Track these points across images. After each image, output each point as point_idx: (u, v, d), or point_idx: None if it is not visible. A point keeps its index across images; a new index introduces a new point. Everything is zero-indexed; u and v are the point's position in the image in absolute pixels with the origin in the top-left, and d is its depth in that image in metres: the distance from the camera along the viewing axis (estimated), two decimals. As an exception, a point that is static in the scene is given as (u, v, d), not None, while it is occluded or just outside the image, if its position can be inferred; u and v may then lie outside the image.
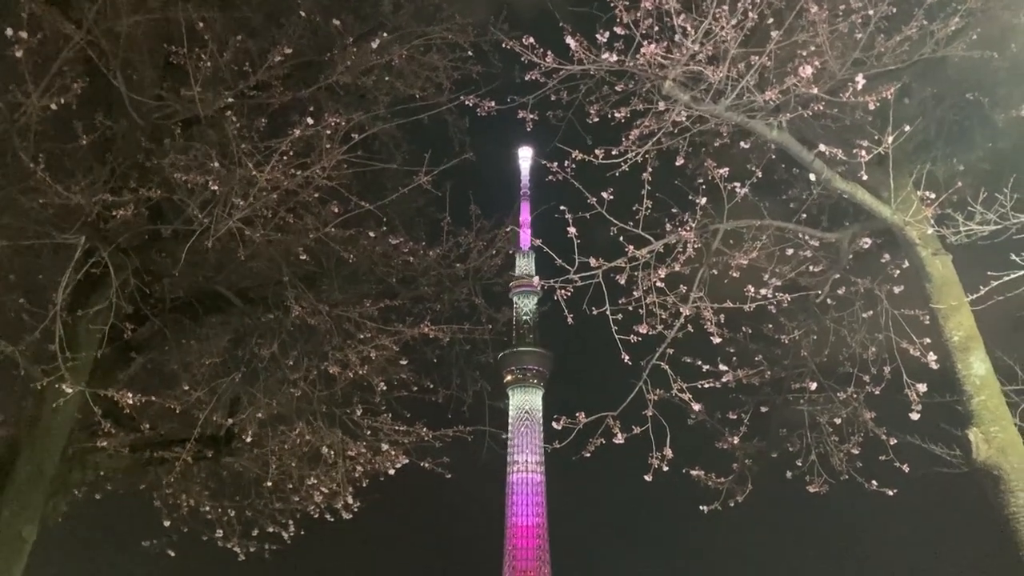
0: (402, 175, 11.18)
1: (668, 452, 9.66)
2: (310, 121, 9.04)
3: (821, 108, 8.20)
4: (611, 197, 8.90)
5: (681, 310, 9.46)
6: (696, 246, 10.03)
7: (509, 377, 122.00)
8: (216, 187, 8.95)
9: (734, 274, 10.61)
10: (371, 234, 11.95)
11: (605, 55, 7.93)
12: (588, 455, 10.26)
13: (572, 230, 8.50)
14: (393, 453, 11.74)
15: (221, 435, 12.80)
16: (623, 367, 9.99)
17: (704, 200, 9.13)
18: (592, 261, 9.10)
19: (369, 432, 11.93)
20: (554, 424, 9.70)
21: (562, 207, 8.56)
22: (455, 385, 14.26)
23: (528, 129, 9.45)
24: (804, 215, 10.49)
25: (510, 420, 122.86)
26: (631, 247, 8.91)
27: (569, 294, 8.80)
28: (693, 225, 9.05)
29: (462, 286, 13.00)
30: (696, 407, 9.62)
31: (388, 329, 11.30)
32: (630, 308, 9.66)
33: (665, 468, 9.74)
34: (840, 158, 8.32)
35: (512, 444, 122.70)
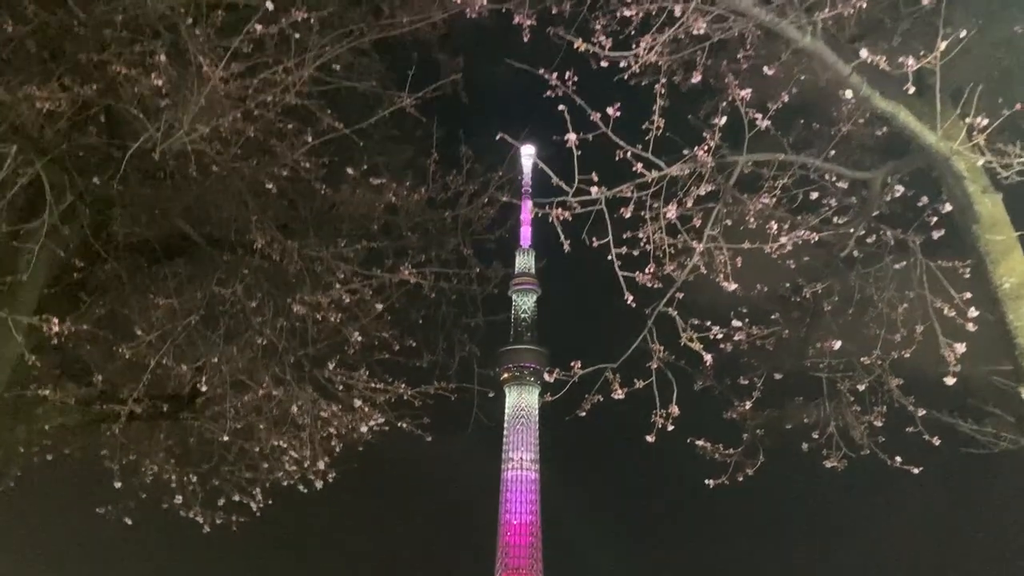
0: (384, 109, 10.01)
1: (674, 409, 8.53)
2: (270, 6, 7.87)
3: (863, 4, 7.07)
4: (618, 114, 7.77)
5: (694, 246, 8.32)
6: (709, 187, 8.91)
7: (506, 375, 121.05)
8: (165, 89, 7.81)
9: (751, 221, 9.49)
10: (349, 171, 10.82)
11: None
12: (584, 413, 9.14)
13: (572, 137, 7.34)
14: (367, 410, 10.59)
15: (185, 393, 11.70)
16: (622, 320, 8.91)
17: (723, 120, 7.98)
18: (594, 190, 7.96)
19: (342, 389, 10.79)
20: (547, 376, 8.59)
21: (561, 108, 7.36)
22: (441, 349, 13.14)
23: (525, 39, 8.32)
24: (832, 152, 9.34)
25: (506, 417, 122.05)
26: (640, 165, 7.75)
27: (568, 217, 7.66)
28: (712, 144, 7.90)
29: (450, 237, 11.86)
30: (708, 357, 8.47)
31: (365, 273, 10.15)
32: (637, 245, 8.54)
33: (671, 427, 8.61)
34: (882, 67, 7.18)
35: (507, 441, 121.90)
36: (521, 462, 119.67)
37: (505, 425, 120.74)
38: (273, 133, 9.41)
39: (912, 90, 7.26)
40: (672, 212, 8.25)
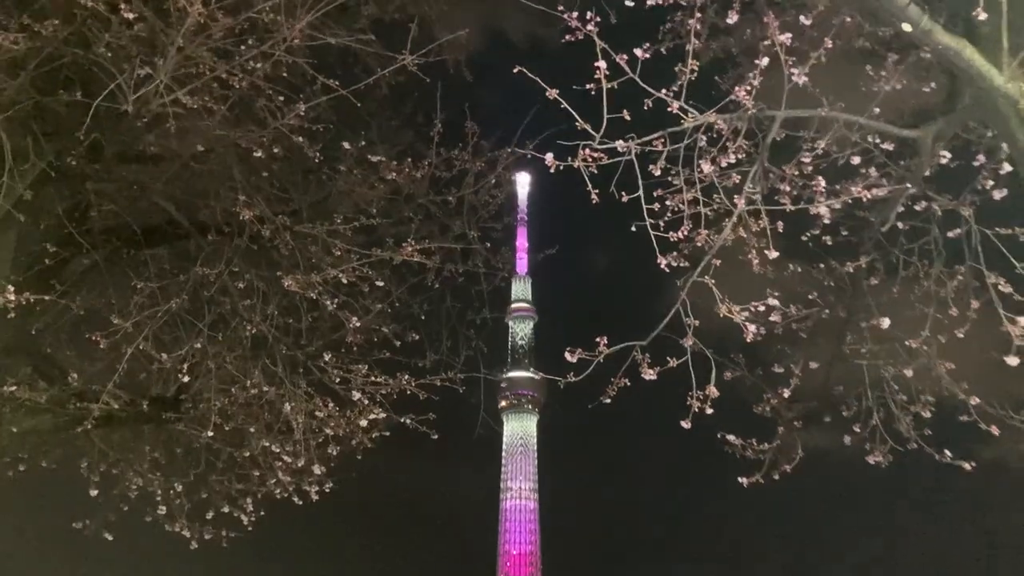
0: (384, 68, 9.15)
1: (712, 391, 7.60)
2: None
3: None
4: (647, 55, 6.92)
5: (734, 204, 7.43)
6: (746, 148, 8.05)
7: (504, 403, 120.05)
8: (138, 27, 6.94)
9: (788, 190, 8.62)
10: (346, 145, 9.96)
11: None
12: (608, 400, 8.20)
13: (601, 65, 6.46)
14: (366, 403, 9.63)
15: (169, 395, 10.74)
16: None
17: (765, 61, 7.13)
18: (619, 144, 7.08)
19: (339, 382, 9.84)
20: (567, 356, 7.66)
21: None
22: (445, 348, 12.23)
23: None
24: (876, 110, 8.49)
25: (504, 446, 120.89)
26: (675, 105, 6.87)
27: (592, 169, 6.76)
28: (754, 84, 7.03)
29: (454, 221, 10.99)
30: (750, 329, 7.55)
31: (362, 252, 9.25)
32: (667, 207, 7.66)
33: (709, 410, 7.66)
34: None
35: (506, 471, 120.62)
36: (520, 491, 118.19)
37: (504, 454, 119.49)
38: (262, 96, 8.54)
39: (982, 16, 6.39)
40: (707, 167, 7.37)
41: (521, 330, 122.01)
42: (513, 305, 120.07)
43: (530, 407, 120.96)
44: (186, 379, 9.18)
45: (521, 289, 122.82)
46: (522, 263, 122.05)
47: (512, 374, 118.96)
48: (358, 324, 9.38)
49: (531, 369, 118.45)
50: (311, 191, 10.38)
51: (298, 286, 8.61)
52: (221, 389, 9.84)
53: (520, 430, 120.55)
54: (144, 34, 7.25)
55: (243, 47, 8.31)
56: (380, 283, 9.49)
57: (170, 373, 9.53)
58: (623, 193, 6.92)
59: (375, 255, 9.25)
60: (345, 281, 9.06)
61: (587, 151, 6.52)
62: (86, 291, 10.61)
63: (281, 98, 9.15)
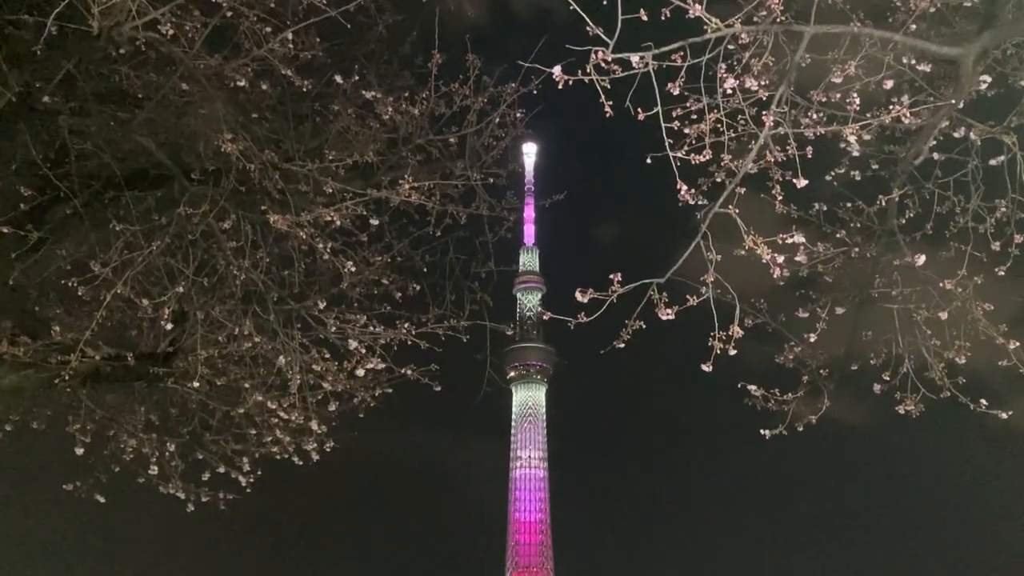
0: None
1: (736, 330, 6.99)
2: None
3: None
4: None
5: (764, 118, 6.78)
6: (771, 68, 7.40)
7: (512, 373, 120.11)
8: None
9: (813, 118, 7.95)
10: (339, 79, 9.31)
11: None
12: (623, 345, 7.62)
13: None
14: (363, 351, 9.06)
15: (159, 351, 10.20)
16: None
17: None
18: (635, 58, 6.41)
19: (335, 331, 9.26)
20: (579, 296, 7.06)
21: None
22: (449, 302, 11.62)
23: None
24: (913, 27, 7.80)
25: (513, 416, 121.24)
26: (695, 7, 6.19)
27: (605, 82, 6.10)
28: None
29: (456, 164, 10.34)
30: (779, 261, 6.93)
31: (357, 191, 8.63)
32: (685, 137, 7.02)
33: (733, 351, 7.07)
34: None
35: (515, 440, 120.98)
36: (530, 460, 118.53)
37: (513, 423, 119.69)
38: (246, 20, 7.89)
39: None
40: (730, 83, 6.72)
41: (529, 301, 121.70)
42: (520, 276, 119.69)
43: (539, 377, 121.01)
44: (169, 327, 8.62)
45: (529, 260, 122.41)
46: (529, 234, 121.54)
47: (521, 345, 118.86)
48: (354, 269, 8.78)
49: (540, 340, 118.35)
50: (304, 138, 9.77)
51: (286, 225, 8.01)
52: (211, 341, 9.28)
53: (529, 400, 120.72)
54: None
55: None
56: (375, 222, 8.88)
57: (155, 324, 8.96)
58: (639, 109, 6.27)
59: (370, 195, 8.61)
60: (339, 223, 8.46)
61: (599, 55, 5.86)
62: (69, 240, 10.05)
63: (268, 28, 8.53)
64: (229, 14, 7.93)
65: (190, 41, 8.09)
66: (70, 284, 8.44)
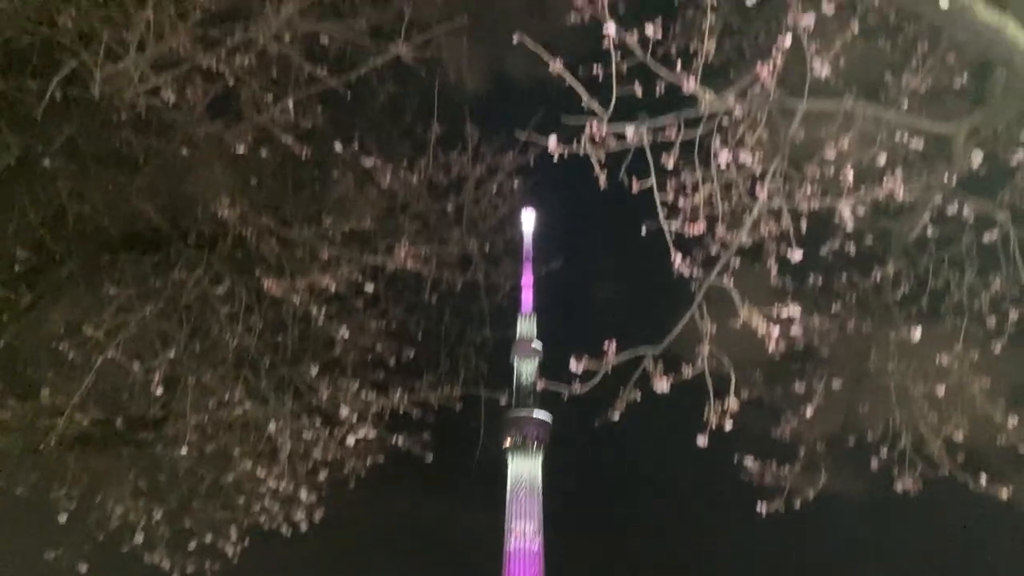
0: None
1: (732, 403, 6.92)
2: None
3: None
4: (658, 35, 6.35)
5: (758, 192, 6.83)
6: (765, 142, 7.48)
7: (508, 442, 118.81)
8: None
9: (807, 192, 8.01)
10: (338, 146, 9.40)
11: None
12: (617, 418, 7.54)
13: (611, 31, 5.87)
14: (355, 419, 8.97)
15: (148, 416, 10.09)
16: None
17: (788, 41, 6.56)
18: (629, 130, 6.48)
19: (327, 399, 9.18)
20: (573, 365, 7.00)
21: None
22: (444, 370, 11.56)
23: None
24: (906, 104, 7.92)
25: (508, 487, 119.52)
26: (690, 81, 6.27)
27: (599, 154, 6.16)
28: (777, 62, 6.45)
29: (453, 231, 10.38)
30: (774, 332, 6.89)
31: (354, 258, 8.64)
32: (679, 209, 7.06)
33: (728, 426, 6.99)
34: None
35: (510, 511, 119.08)
36: (524, 534, 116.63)
37: (508, 494, 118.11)
38: (247, 88, 8.00)
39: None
40: (724, 158, 6.78)
41: (526, 369, 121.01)
42: (518, 343, 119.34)
43: (535, 446, 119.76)
44: (160, 391, 8.54)
45: (527, 327, 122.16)
46: (527, 300, 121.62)
47: (517, 413, 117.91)
48: (348, 335, 8.74)
49: (536, 409, 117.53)
50: (302, 204, 9.83)
51: (282, 291, 8.00)
52: (201, 406, 9.20)
53: (525, 469, 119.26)
54: (115, 14, 6.72)
55: (228, 38, 7.77)
56: (371, 288, 8.88)
57: (145, 388, 8.88)
58: (634, 177, 6.31)
59: (367, 261, 8.63)
60: (334, 289, 8.45)
61: (594, 127, 5.92)
62: (63, 302, 10.02)
63: (269, 96, 8.64)
64: (231, 82, 8.03)
65: (191, 107, 8.19)
66: (61, 347, 8.37)
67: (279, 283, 8.07)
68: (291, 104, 8.41)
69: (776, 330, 6.75)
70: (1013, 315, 8.22)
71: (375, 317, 10.30)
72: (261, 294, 8.85)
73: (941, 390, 8.75)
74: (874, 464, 9.15)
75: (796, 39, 6.80)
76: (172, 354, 8.39)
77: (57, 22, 6.67)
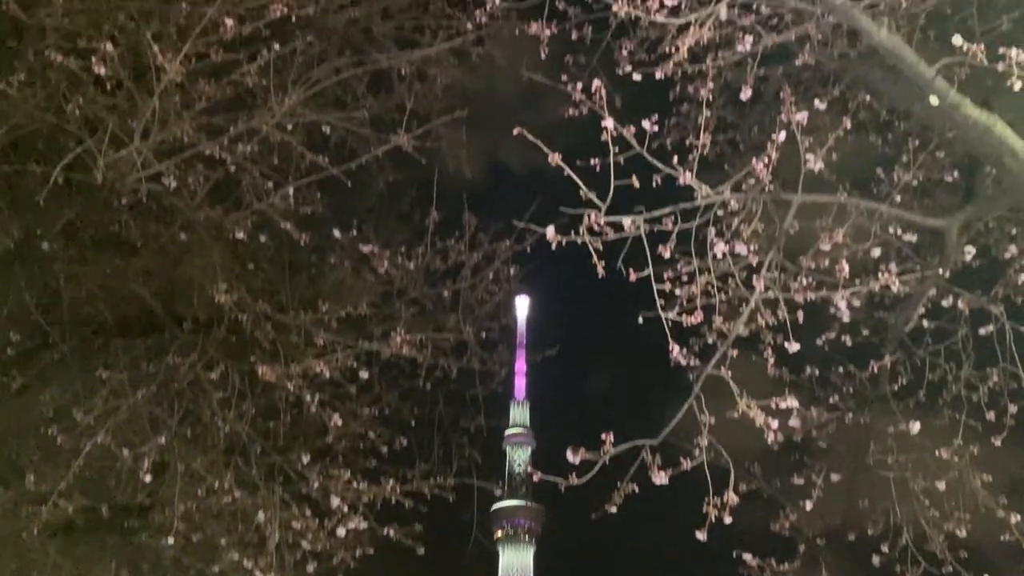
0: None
1: (731, 497, 6.80)
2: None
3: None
4: (655, 128, 6.47)
5: (754, 283, 6.85)
6: (761, 234, 7.56)
7: (499, 533, 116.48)
8: (111, 84, 6.47)
9: (803, 284, 8.05)
10: (336, 233, 9.47)
11: None
12: (614, 511, 7.40)
13: (608, 124, 5.97)
14: (345, 510, 8.79)
15: (134, 503, 9.89)
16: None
17: (782, 136, 6.68)
18: (627, 221, 6.55)
19: (318, 488, 9.01)
20: (570, 456, 6.90)
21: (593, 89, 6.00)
22: (436, 457, 11.41)
23: (543, 55, 7.17)
24: (898, 198, 8.04)
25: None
26: (686, 175, 6.36)
27: (597, 244, 6.19)
28: (772, 155, 6.55)
29: (448, 317, 10.38)
30: (773, 426, 6.82)
31: (348, 344, 8.60)
32: (676, 298, 7.07)
33: (728, 519, 6.85)
34: (976, 62, 5.92)
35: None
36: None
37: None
38: (248, 175, 8.09)
39: (1018, 85, 5.93)
40: (720, 249, 6.84)
41: (518, 457, 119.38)
42: (510, 431, 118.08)
43: (527, 538, 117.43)
44: (148, 478, 8.38)
45: (519, 414, 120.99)
46: (520, 387, 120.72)
47: (508, 503, 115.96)
48: (340, 423, 8.64)
49: (529, 499, 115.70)
50: (299, 289, 9.85)
51: (275, 377, 7.93)
52: (190, 494, 9.01)
53: (516, 561, 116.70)
54: (121, 103, 6.84)
55: (231, 127, 7.90)
56: (365, 375, 8.82)
57: (133, 475, 8.72)
58: (631, 269, 6.34)
59: (361, 347, 8.59)
60: (328, 375, 8.38)
61: (592, 218, 5.98)
62: (53, 386, 9.91)
63: (270, 183, 8.74)
64: (233, 169, 8.13)
65: (192, 193, 8.25)
66: (50, 432, 8.25)
67: (273, 369, 8.00)
68: (291, 191, 8.50)
69: (774, 422, 6.67)
70: (1012, 409, 8.16)
71: (368, 404, 10.20)
72: (254, 380, 8.76)
73: (942, 485, 8.64)
74: (876, 560, 8.96)
75: (790, 134, 6.95)
76: (163, 440, 8.25)
77: (65, 109, 6.76)
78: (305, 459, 9.00)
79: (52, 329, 9.04)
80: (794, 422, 8.30)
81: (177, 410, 8.52)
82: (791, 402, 7.86)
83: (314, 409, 8.98)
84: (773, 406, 7.04)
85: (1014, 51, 5.85)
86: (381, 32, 9.16)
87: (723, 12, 6.48)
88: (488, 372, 11.13)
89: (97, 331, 9.27)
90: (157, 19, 6.79)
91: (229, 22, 6.74)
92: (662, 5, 6.29)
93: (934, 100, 6.34)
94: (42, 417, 9.93)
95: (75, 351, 9.38)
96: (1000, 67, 5.91)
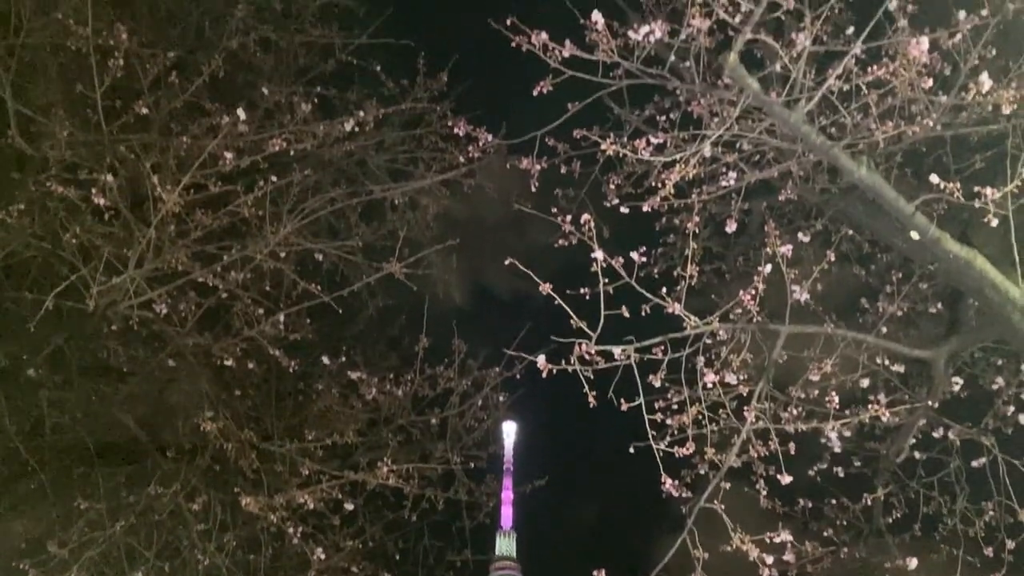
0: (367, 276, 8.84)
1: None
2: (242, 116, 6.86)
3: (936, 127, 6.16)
4: (643, 259, 6.59)
5: (745, 413, 6.82)
6: (750, 364, 7.59)
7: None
8: (109, 214, 6.55)
9: (793, 413, 8.03)
10: (325, 361, 9.44)
11: (642, 30, 5.96)
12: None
13: (598, 256, 6.06)
14: (327, 648, 8.43)
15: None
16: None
17: (768, 268, 6.79)
18: (617, 351, 6.58)
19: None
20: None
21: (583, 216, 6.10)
22: (422, 593, 11.07)
23: (533, 189, 7.36)
24: (883, 329, 8.11)
25: None
26: (675, 307, 6.41)
27: (588, 372, 6.18)
28: (759, 286, 6.63)
29: (436, 445, 10.24)
30: (768, 561, 6.66)
31: (334, 473, 8.43)
32: (667, 428, 7.03)
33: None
34: (953, 199, 6.11)
35: None
36: None
37: None
38: (239, 303, 8.11)
39: (995, 222, 6.10)
40: (710, 378, 6.84)
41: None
42: (496, 563, 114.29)
43: None
44: (122, 616, 8.04)
45: (506, 545, 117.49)
46: (507, 516, 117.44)
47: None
48: (323, 556, 8.38)
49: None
50: (284, 416, 9.74)
51: (259, 508, 7.73)
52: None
53: None
54: (117, 231, 6.92)
55: (225, 256, 7.98)
56: (350, 506, 8.61)
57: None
58: (622, 400, 6.32)
59: (347, 477, 8.42)
60: (312, 507, 8.18)
61: (583, 347, 6.00)
62: (29, 516, 9.61)
63: (260, 310, 8.75)
64: (224, 295, 8.16)
65: (182, 320, 8.25)
66: (22, 566, 7.96)
67: (257, 499, 7.81)
68: (282, 318, 8.51)
69: (769, 559, 6.52)
70: (1010, 543, 8.00)
71: (352, 536, 9.93)
72: (237, 510, 8.55)
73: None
74: None
75: (775, 266, 7.07)
76: (140, 574, 7.96)
77: (61, 237, 6.84)
78: (287, 593, 8.68)
79: (32, 456, 8.84)
80: (788, 556, 8.14)
81: (156, 542, 8.25)
82: (785, 536, 7.73)
83: (296, 541, 8.75)
84: (767, 540, 6.91)
85: (989, 190, 6.03)
86: (376, 164, 9.39)
87: (707, 150, 6.72)
88: (475, 503, 10.91)
89: (78, 459, 9.07)
90: (157, 151, 6.95)
91: (228, 155, 6.91)
92: (648, 143, 6.51)
93: (915, 235, 6.49)
94: (14, 549, 9.61)
95: (54, 480, 9.15)
96: (976, 203, 6.10)
